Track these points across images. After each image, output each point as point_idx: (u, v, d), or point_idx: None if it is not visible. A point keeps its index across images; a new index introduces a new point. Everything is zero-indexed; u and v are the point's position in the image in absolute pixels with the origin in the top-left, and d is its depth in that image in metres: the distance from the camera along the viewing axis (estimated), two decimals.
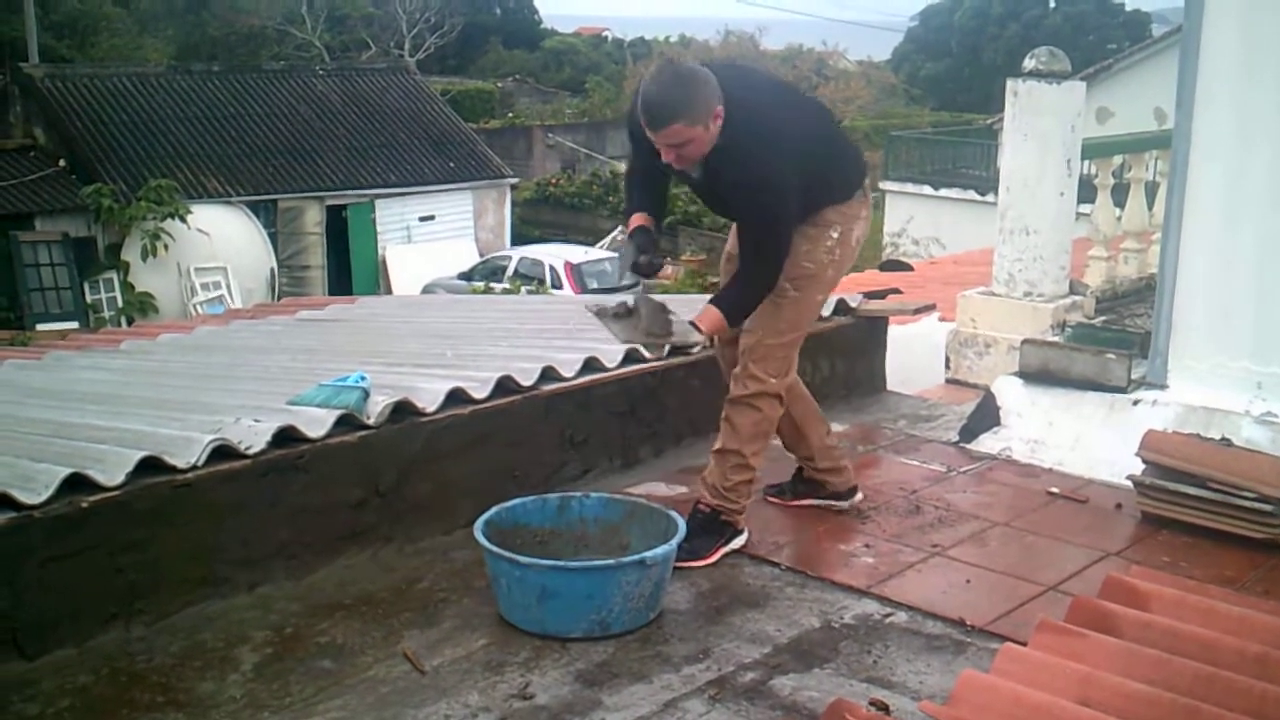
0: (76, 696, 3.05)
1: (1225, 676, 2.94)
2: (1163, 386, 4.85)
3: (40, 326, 18.38)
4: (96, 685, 3.10)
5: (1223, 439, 4.41)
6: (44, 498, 3.18)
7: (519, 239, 26.68)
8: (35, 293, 20.09)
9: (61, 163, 21.77)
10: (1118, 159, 7.37)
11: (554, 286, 20.98)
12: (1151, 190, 7.13)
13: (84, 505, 3.23)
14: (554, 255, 22.87)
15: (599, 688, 3.13)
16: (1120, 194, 7.12)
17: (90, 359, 5.92)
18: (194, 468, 3.46)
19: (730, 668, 3.24)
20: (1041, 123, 6.36)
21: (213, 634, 3.38)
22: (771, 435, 4.08)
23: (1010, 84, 6.47)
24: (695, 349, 4.52)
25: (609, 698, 3.08)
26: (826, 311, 5.38)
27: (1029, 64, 6.44)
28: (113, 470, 3.34)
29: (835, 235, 3.90)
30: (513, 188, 27.22)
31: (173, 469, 3.43)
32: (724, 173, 3.69)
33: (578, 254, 23.22)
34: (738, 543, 4.02)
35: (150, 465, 3.40)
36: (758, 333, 3.92)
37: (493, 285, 20.74)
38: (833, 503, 4.34)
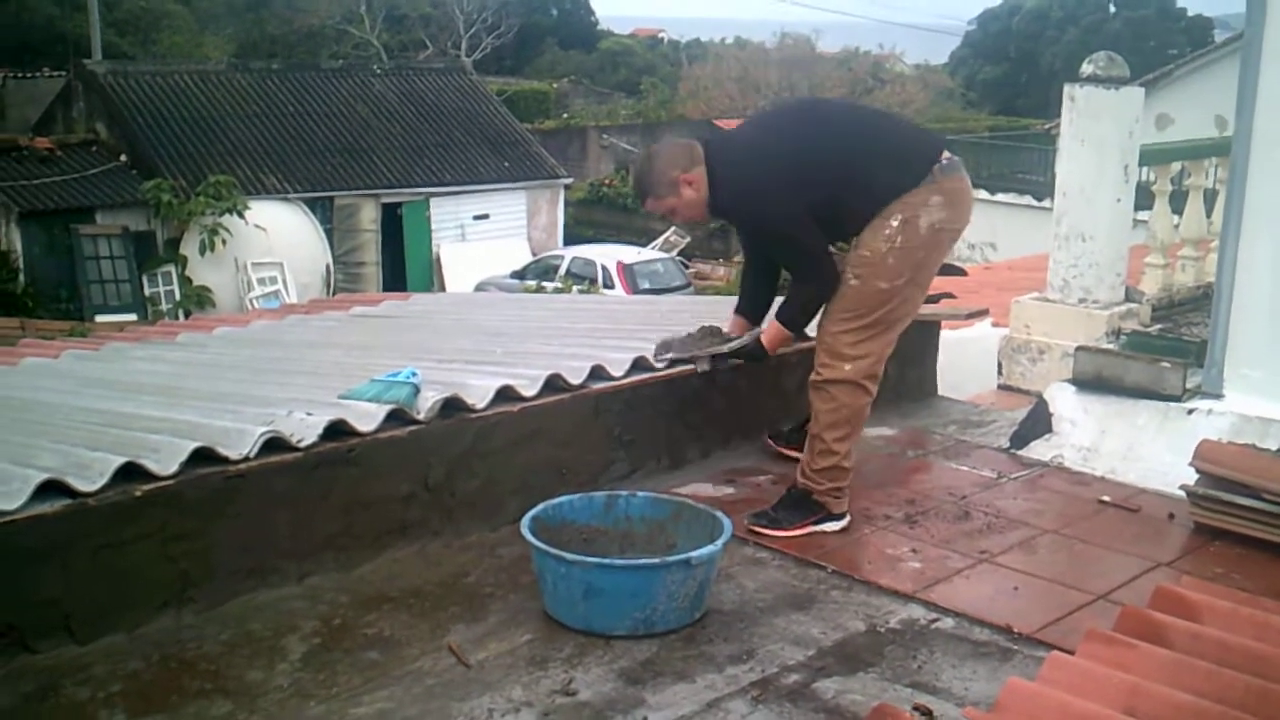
0: (127, 682, 3.09)
1: (1278, 691, 2.90)
2: (1218, 396, 4.79)
3: (99, 318, 18.69)
4: (147, 671, 3.14)
5: (1278, 450, 4.35)
6: (98, 485, 3.23)
7: (571, 239, 26.76)
8: (95, 285, 20.41)
9: (123, 158, 22.10)
10: (1176, 166, 7.28)
11: (606, 286, 21.02)
12: (1210, 198, 7.05)
13: (137, 494, 3.28)
14: (606, 255, 22.91)
15: (642, 686, 3.13)
16: (1178, 201, 7.04)
17: (147, 350, 6.00)
18: (246, 459, 3.50)
19: (774, 669, 3.23)
20: (1099, 128, 6.30)
21: (262, 623, 3.42)
22: (858, 425, 4.14)
23: (1068, 89, 6.42)
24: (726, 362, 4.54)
25: (652, 696, 3.08)
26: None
27: (1087, 69, 6.38)
28: (166, 460, 3.38)
29: (895, 224, 3.97)
30: (566, 188, 27.31)
31: (225, 460, 3.47)
32: (731, 215, 4.22)
33: (630, 254, 23.24)
34: (832, 526, 4.12)
35: (203, 456, 3.44)
36: (824, 321, 4.10)
37: (545, 284, 20.81)
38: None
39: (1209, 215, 6.93)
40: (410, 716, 2.96)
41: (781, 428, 4.89)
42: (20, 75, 29.56)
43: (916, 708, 2.98)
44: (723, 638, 3.40)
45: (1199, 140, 8.37)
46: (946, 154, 4.08)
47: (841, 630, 3.47)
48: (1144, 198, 6.85)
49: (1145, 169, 6.93)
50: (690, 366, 4.51)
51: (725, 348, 4.43)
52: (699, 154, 4.07)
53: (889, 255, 3.99)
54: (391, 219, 23.90)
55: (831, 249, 4.16)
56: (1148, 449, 4.80)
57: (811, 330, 4.31)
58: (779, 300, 4.38)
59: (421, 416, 3.91)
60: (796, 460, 4.28)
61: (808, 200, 3.95)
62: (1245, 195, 4.68)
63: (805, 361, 4.32)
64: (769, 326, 4.27)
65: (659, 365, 4.55)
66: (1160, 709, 2.81)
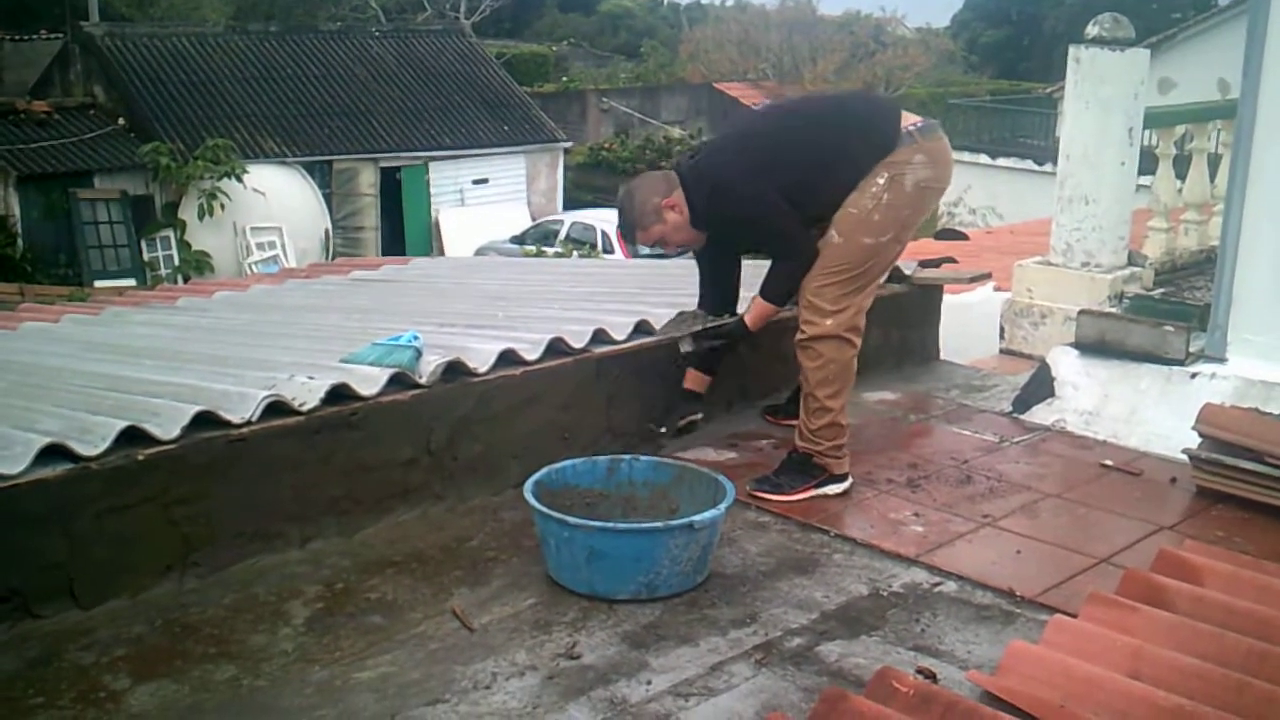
0: (131, 646, 3.10)
1: (1278, 653, 2.91)
2: (1221, 360, 4.78)
3: (98, 283, 18.62)
4: (151, 635, 3.15)
5: None
6: (101, 450, 3.23)
7: (571, 203, 26.64)
8: (93, 250, 20.33)
9: (120, 121, 21.97)
10: (1180, 129, 7.23)
11: (605, 251, 20.94)
12: (1214, 162, 7.00)
13: (140, 458, 3.27)
14: (606, 220, 22.75)
15: (645, 649, 3.14)
16: (1182, 165, 6.99)
17: (147, 315, 5.99)
18: (248, 423, 3.50)
19: (777, 633, 3.23)
20: (1104, 90, 6.25)
21: (265, 588, 3.42)
22: (847, 379, 4.16)
23: (1073, 50, 6.36)
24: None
25: (655, 659, 3.09)
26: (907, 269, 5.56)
27: (1092, 30, 6.32)
28: (168, 424, 3.37)
29: (882, 181, 4.04)
30: (566, 152, 27.19)
31: (227, 424, 3.47)
32: (709, 216, 4.16)
33: None
34: (834, 488, 4.15)
35: (205, 420, 3.44)
36: (806, 279, 4.13)
37: (545, 249, 20.74)
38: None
39: (1212, 179, 6.89)
40: (413, 680, 2.97)
41: (778, 402, 4.90)
42: (17, 37, 29.35)
43: (920, 671, 2.98)
44: (725, 601, 3.41)
45: (1203, 104, 8.31)
46: (917, 119, 4.15)
47: (844, 594, 3.47)
48: (1147, 161, 6.80)
49: (1149, 132, 6.88)
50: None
51: (708, 327, 4.43)
52: (675, 179, 4.19)
53: (875, 212, 4.04)
54: (390, 183, 23.80)
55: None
56: (1150, 413, 4.80)
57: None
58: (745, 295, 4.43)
59: (423, 380, 3.90)
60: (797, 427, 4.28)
61: (780, 182, 4.03)
62: (1250, 159, 4.65)
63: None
64: (752, 304, 4.33)
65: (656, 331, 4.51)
66: (1163, 671, 2.82)
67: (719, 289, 4.51)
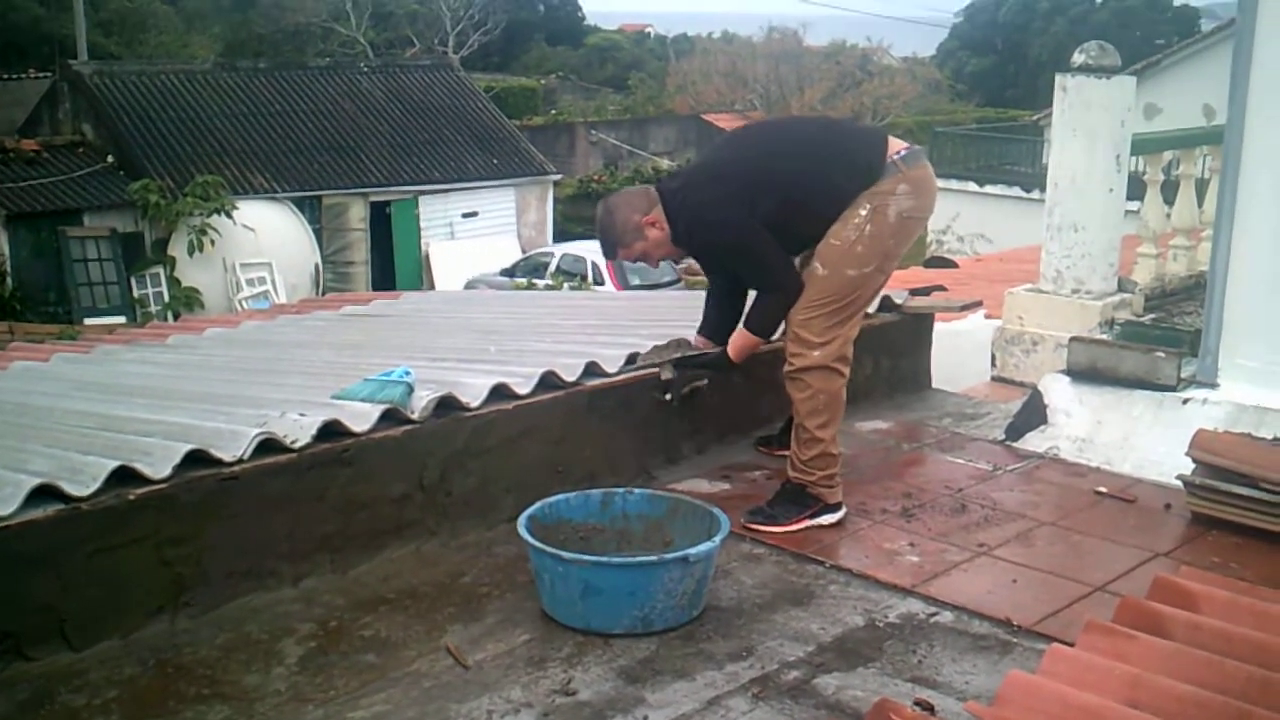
0: (123, 688, 3.07)
1: (1278, 680, 2.89)
2: (1213, 385, 4.78)
3: (88, 320, 18.58)
4: (143, 677, 3.13)
5: (1275, 439, 4.35)
6: (92, 490, 3.21)
7: (561, 235, 26.67)
8: (83, 287, 20.30)
9: (109, 159, 21.99)
10: (1168, 155, 7.27)
11: (596, 283, 20.96)
12: (1201, 187, 7.03)
13: (131, 498, 3.26)
14: (596, 252, 22.59)
15: (642, 684, 3.12)
16: (1170, 191, 7.02)
17: (137, 353, 5.97)
18: (240, 461, 3.48)
19: (774, 666, 3.22)
20: (1090, 118, 6.28)
21: (258, 626, 3.40)
22: (837, 409, 4.14)
23: (1059, 79, 6.39)
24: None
25: (652, 694, 3.07)
26: (873, 308, 5.42)
27: (1078, 59, 6.36)
28: (160, 463, 3.36)
29: (864, 213, 4.02)
30: (555, 184, 27.25)
31: (219, 462, 3.45)
32: (689, 240, 4.19)
33: None
34: (828, 518, 4.14)
35: (196, 458, 3.42)
36: (791, 312, 4.12)
37: (535, 281, 20.73)
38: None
39: (1200, 204, 6.92)
40: (409, 719, 2.95)
41: (771, 433, 4.88)
42: (6, 76, 29.37)
43: (918, 702, 2.97)
44: (721, 635, 3.39)
45: (1191, 129, 8.36)
46: (903, 145, 4.14)
47: (840, 625, 3.46)
48: (1135, 188, 6.83)
49: (1136, 159, 6.92)
50: (654, 371, 4.48)
51: (691, 355, 4.42)
52: (654, 195, 4.18)
53: (858, 244, 4.02)
54: (380, 218, 23.82)
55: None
56: (1143, 439, 4.79)
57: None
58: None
59: (416, 416, 3.89)
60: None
61: (762, 211, 4.01)
62: (1238, 184, 4.68)
63: None
64: (736, 335, 4.32)
65: (614, 372, 4.50)
66: (1161, 700, 2.80)
67: (721, 311, 4.46)
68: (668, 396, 4.46)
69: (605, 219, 4.23)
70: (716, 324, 4.47)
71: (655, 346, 4.54)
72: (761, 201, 4.01)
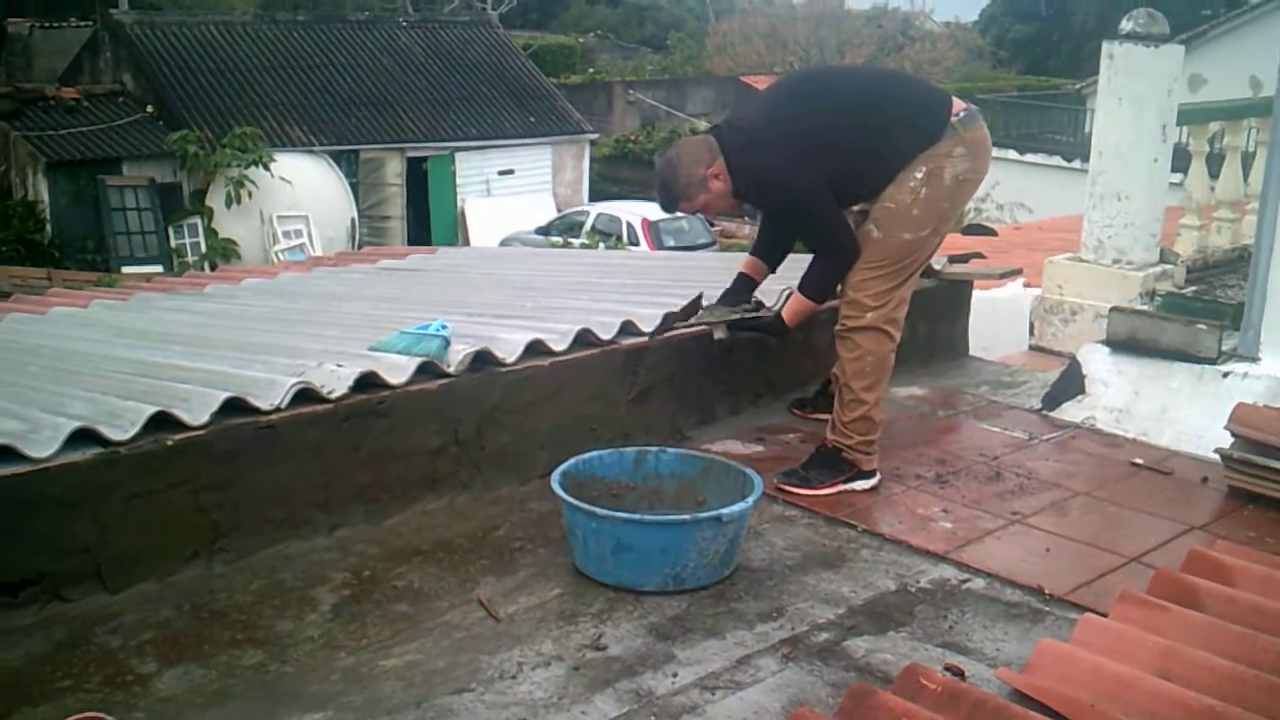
0: (158, 630, 3.10)
1: None
2: (1254, 359, 4.73)
3: (125, 269, 18.75)
4: (178, 620, 3.16)
5: None
6: (130, 435, 3.23)
7: (597, 195, 26.65)
8: (121, 236, 20.46)
9: (149, 109, 22.09)
10: (1214, 126, 7.17)
11: (631, 243, 20.94)
12: (1247, 159, 6.94)
13: (169, 443, 3.28)
14: (632, 212, 22.78)
15: (672, 641, 3.13)
16: (1215, 162, 6.93)
17: (175, 301, 6.01)
18: (277, 410, 3.50)
19: (804, 627, 3.22)
20: (1137, 86, 6.20)
21: (292, 574, 3.42)
22: (884, 372, 4.13)
23: (1106, 46, 6.31)
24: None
25: (681, 651, 3.08)
26: (936, 264, 5.53)
27: (1126, 26, 6.27)
28: (198, 410, 3.38)
29: (920, 175, 3.99)
30: (592, 143, 27.20)
31: (256, 410, 3.47)
32: (753, 197, 4.14)
33: (655, 211, 23.05)
34: (861, 484, 4.13)
35: (234, 406, 3.44)
36: (849, 275, 4.09)
37: (570, 240, 20.74)
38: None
39: (1246, 177, 6.83)
40: (440, 669, 2.97)
41: (806, 395, 4.88)
42: (47, 25, 29.49)
43: (948, 668, 2.96)
44: (752, 595, 3.39)
45: (1238, 101, 8.23)
46: (963, 105, 4.09)
47: (872, 589, 3.45)
48: (1179, 159, 6.75)
49: (1181, 129, 6.83)
50: (705, 329, 4.45)
51: (745, 318, 4.39)
52: (715, 146, 4.05)
53: (914, 206, 4.00)
54: (416, 173, 23.85)
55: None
56: (1181, 411, 4.75)
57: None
58: (786, 264, 4.38)
59: (452, 370, 3.90)
60: (825, 421, 4.26)
61: (825, 171, 3.95)
62: None
63: (836, 319, 4.28)
64: (790, 299, 4.28)
65: (657, 329, 4.47)
66: (1194, 672, 2.79)
67: (776, 234, 4.45)
68: (719, 336, 4.42)
69: (667, 171, 4.10)
70: (769, 250, 4.46)
71: (709, 305, 4.48)
72: (825, 162, 3.95)
